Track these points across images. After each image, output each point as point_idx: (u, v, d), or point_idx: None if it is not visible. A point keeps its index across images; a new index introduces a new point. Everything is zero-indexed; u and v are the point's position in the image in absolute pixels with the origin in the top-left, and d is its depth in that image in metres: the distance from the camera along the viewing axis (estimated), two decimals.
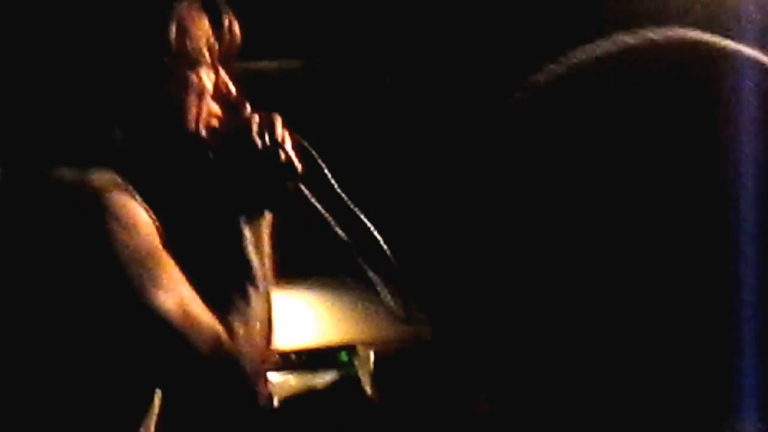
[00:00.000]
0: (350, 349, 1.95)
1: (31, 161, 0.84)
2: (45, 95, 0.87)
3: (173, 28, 0.86)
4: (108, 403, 0.84)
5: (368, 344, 1.94)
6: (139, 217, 0.79)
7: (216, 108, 0.90)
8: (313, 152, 0.93)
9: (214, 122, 0.90)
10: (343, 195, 0.92)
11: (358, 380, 1.91)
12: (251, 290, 0.85)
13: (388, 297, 0.94)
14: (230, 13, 0.94)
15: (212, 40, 0.91)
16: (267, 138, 0.90)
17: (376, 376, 1.88)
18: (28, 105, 0.88)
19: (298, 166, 0.91)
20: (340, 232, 0.93)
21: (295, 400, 1.82)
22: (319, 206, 0.93)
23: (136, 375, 0.84)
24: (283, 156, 0.90)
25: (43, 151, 0.84)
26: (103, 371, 0.82)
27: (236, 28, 0.94)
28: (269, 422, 1.80)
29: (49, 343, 0.80)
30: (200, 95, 0.88)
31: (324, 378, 1.85)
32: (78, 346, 0.80)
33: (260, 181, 0.90)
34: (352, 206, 0.92)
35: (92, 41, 0.85)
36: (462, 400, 1.69)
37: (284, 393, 1.83)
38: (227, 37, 0.92)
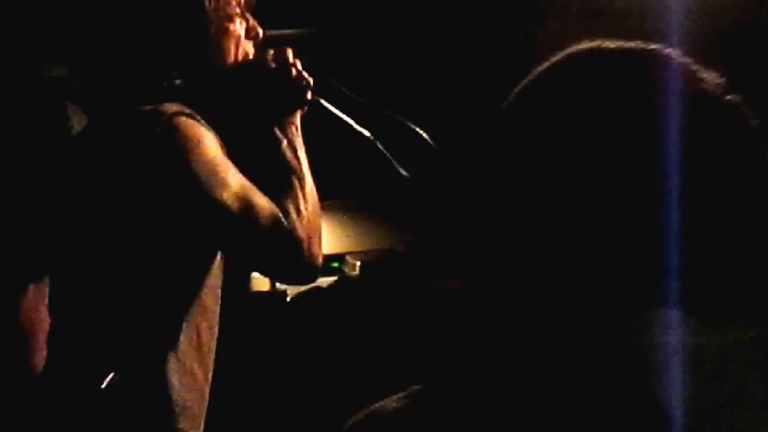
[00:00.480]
0: (340, 258, 2.46)
1: (120, 99, 1.10)
2: (126, 52, 1.12)
3: None
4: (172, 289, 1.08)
5: (354, 254, 2.45)
6: (202, 134, 1.04)
7: (249, 47, 1.16)
8: (321, 72, 1.17)
9: (248, 58, 1.16)
10: (353, 96, 1.17)
11: (354, 281, 2.36)
12: (294, 179, 1.11)
13: (400, 168, 1.19)
14: None
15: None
16: (279, 62, 1.14)
17: (361, 278, 2.37)
18: (114, 59, 1.13)
19: (308, 79, 1.14)
20: (357, 127, 1.17)
21: (304, 296, 2.25)
22: (336, 111, 1.16)
23: (203, 258, 1.09)
24: (294, 72, 1.14)
25: (128, 91, 1.10)
26: (173, 256, 1.07)
27: None
28: (284, 313, 2.28)
29: (138, 230, 1.05)
30: (237, 40, 1.14)
31: (327, 280, 2.26)
32: (161, 234, 1.05)
33: (279, 94, 1.14)
34: (363, 105, 1.17)
35: (156, 10, 1.11)
36: (433, 284, 2.07)
37: (294, 291, 2.28)
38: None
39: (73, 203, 1.11)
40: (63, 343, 1.13)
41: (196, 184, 1.01)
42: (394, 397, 0.52)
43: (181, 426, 1.08)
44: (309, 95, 1.15)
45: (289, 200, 1.08)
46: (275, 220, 1.05)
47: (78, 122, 1.50)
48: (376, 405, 0.53)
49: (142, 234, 1.06)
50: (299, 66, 1.15)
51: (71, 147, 1.22)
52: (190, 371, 1.09)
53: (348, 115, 1.16)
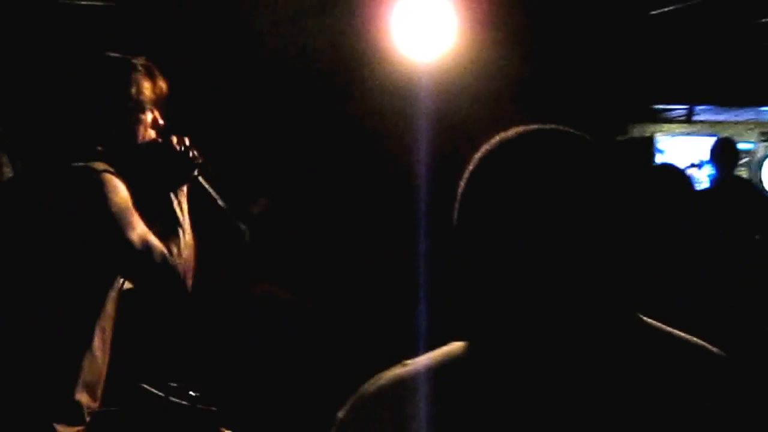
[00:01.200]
0: None
1: (54, 157, 1.52)
2: (68, 124, 1.57)
3: (133, 89, 1.55)
4: (84, 299, 1.46)
5: None
6: (120, 187, 1.44)
7: (152, 133, 1.61)
8: (201, 158, 1.65)
9: (152, 139, 1.61)
10: (208, 185, 1.68)
11: None
12: (179, 230, 1.56)
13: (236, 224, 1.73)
14: (161, 75, 1.62)
15: (151, 93, 1.59)
16: (180, 146, 1.61)
17: None
18: (55, 128, 1.58)
19: (199, 160, 1.64)
20: (215, 196, 1.68)
21: None
22: (206, 184, 1.67)
23: (109, 277, 1.49)
24: (190, 155, 1.62)
25: (62, 152, 1.51)
26: (88, 274, 1.46)
27: (165, 86, 1.62)
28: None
29: (64, 254, 1.42)
30: (145, 125, 1.59)
31: None
32: (82, 258, 1.42)
33: (177, 169, 1.62)
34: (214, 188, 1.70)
35: (87, 94, 1.56)
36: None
37: None
38: (159, 91, 1.62)
39: (17, 228, 1.50)
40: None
41: (112, 223, 1.42)
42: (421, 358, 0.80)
43: (78, 397, 1.47)
44: (195, 172, 1.64)
45: (173, 244, 1.52)
46: (164, 257, 1.49)
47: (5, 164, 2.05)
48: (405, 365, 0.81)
49: (67, 257, 1.43)
50: (194, 151, 1.62)
51: (14, 185, 1.65)
52: (96, 357, 1.49)
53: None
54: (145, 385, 1.74)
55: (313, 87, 2.91)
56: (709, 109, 6.41)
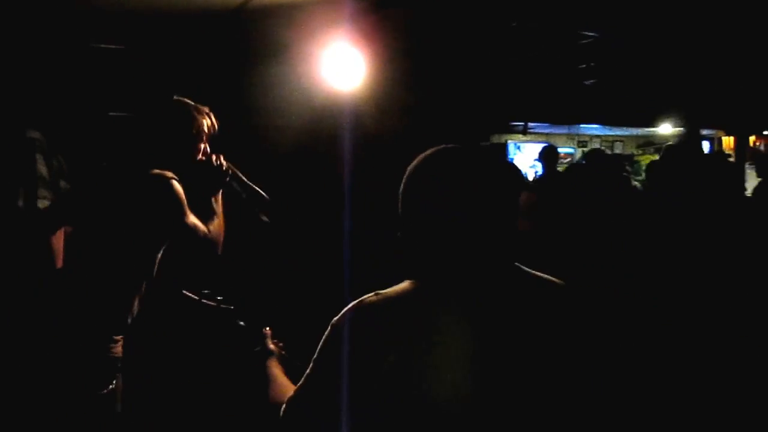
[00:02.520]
0: None
1: (136, 164, 2.05)
2: (143, 144, 2.12)
3: (196, 128, 2.11)
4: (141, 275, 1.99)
5: None
6: (180, 189, 1.96)
7: (203, 156, 2.17)
8: (233, 168, 2.22)
9: (203, 159, 2.17)
10: (248, 183, 2.28)
11: None
12: (213, 217, 2.11)
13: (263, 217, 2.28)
14: (213, 116, 2.17)
15: (207, 129, 2.15)
16: (219, 162, 2.17)
17: None
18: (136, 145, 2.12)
19: (229, 171, 2.19)
20: (244, 195, 2.28)
21: None
22: (237, 187, 2.26)
23: (163, 243, 2.03)
24: (224, 167, 2.17)
25: (143, 162, 2.03)
26: (153, 241, 2.02)
27: (215, 123, 2.17)
28: None
29: (139, 230, 1.96)
30: (199, 152, 2.14)
31: None
32: (148, 232, 1.98)
33: (215, 177, 2.17)
34: (251, 187, 2.30)
35: (164, 128, 2.10)
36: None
37: None
38: (212, 128, 2.18)
39: (107, 209, 2.01)
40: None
41: (176, 210, 1.99)
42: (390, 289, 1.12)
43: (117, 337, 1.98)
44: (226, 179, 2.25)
45: (210, 225, 2.11)
46: (204, 233, 2.06)
47: (39, 165, 2.41)
48: (379, 293, 1.12)
49: (143, 230, 1.99)
50: (226, 164, 2.22)
51: (105, 181, 2.10)
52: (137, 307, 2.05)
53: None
54: (186, 292, 2.11)
55: (264, 107, 3.81)
56: (539, 125, 7.82)
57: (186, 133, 2.11)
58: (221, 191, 2.22)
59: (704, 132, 8.60)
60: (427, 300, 1.10)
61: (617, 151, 9.05)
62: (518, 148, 8.19)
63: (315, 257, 3.41)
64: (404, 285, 1.14)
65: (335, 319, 1.14)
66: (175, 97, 2.16)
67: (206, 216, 2.11)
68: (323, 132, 3.79)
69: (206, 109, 2.19)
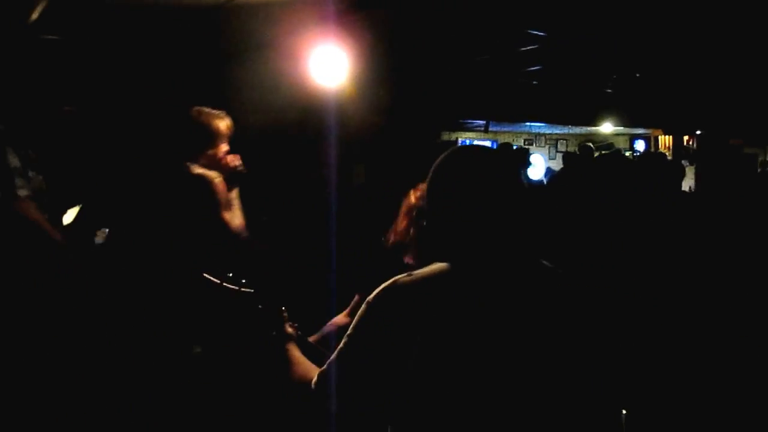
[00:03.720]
0: None
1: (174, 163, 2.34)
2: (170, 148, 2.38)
3: (216, 133, 2.39)
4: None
5: None
6: (222, 187, 2.32)
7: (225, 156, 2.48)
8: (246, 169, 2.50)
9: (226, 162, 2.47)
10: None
11: None
12: (237, 212, 2.42)
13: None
14: (230, 118, 2.44)
15: (226, 130, 2.43)
16: (237, 163, 2.45)
17: None
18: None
19: (244, 171, 2.48)
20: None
21: None
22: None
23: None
24: (240, 168, 2.47)
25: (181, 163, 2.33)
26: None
27: (232, 125, 2.44)
28: None
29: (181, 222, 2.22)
30: (221, 151, 2.44)
31: None
32: (191, 226, 2.24)
33: (233, 176, 2.44)
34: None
35: (188, 132, 2.38)
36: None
37: None
38: (228, 129, 2.45)
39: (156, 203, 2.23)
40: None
41: (216, 207, 2.25)
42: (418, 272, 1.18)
43: None
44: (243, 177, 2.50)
45: (235, 219, 2.37)
46: (234, 228, 2.33)
47: (11, 157, 2.44)
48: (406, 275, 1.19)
49: (182, 225, 2.17)
50: (241, 164, 2.48)
51: (146, 179, 2.34)
52: None
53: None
54: (207, 275, 2.17)
55: (260, 102, 3.85)
56: (496, 124, 8.09)
57: (208, 139, 2.31)
58: (237, 188, 2.40)
59: (640, 131, 9.15)
60: (456, 284, 1.16)
61: (561, 149, 9.48)
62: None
63: (306, 249, 3.47)
64: (435, 267, 1.20)
65: (370, 297, 1.19)
66: (195, 108, 2.33)
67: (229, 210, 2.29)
68: (306, 128, 3.88)
69: (222, 113, 2.37)
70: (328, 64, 3.67)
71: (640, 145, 9.43)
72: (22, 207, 2.34)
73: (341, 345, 1.22)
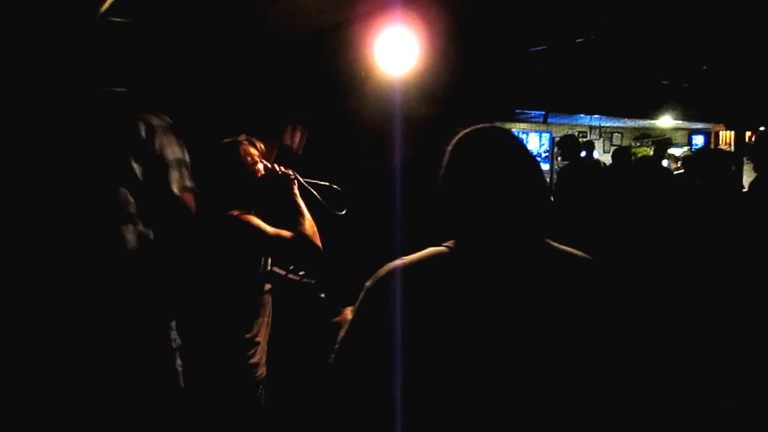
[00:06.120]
0: None
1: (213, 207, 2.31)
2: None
3: (245, 161, 2.32)
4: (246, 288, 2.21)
5: None
6: (251, 218, 2.22)
7: (263, 171, 2.38)
8: (297, 176, 2.42)
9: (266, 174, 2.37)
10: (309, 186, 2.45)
11: None
12: (302, 214, 2.29)
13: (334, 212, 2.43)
14: (258, 142, 2.38)
15: (257, 152, 2.37)
16: (282, 171, 2.36)
17: None
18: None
19: (291, 176, 2.37)
20: (315, 193, 2.43)
21: None
22: (306, 184, 2.43)
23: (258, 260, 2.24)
24: (291, 176, 2.37)
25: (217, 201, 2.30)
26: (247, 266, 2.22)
27: (260, 146, 2.38)
28: None
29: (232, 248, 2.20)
30: (259, 170, 2.35)
31: None
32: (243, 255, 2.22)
33: (282, 184, 2.35)
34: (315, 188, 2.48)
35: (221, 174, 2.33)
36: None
37: None
38: (260, 151, 2.38)
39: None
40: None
41: (254, 238, 2.19)
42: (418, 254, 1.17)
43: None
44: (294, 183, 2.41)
45: (301, 222, 2.28)
46: (291, 235, 2.22)
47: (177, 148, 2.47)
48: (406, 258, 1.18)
49: (234, 250, 2.20)
50: (287, 170, 2.41)
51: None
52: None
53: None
54: (275, 269, 2.29)
55: (322, 91, 3.81)
56: (538, 114, 7.92)
57: (240, 170, 2.32)
58: (298, 193, 2.38)
59: (699, 126, 8.90)
60: (453, 266, 1.16)
61: (616, 142, 9.29)
62: (527, 135, 8.33)
63: (371, 239, 3.47)
64: (430, 251, 1.20)
65: (368, 282, 1.20)
66: (223, 141, 2.34)
67: (293, 216, 2.28)
68: (376, 113, 3.79)
69: (243, 137, 2.37)
70: (402, 49, 3.59)
71: (698, 140, 9.20)
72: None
73: (344, 330, 1.24)
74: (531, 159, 1.23)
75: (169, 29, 3.11)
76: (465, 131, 1.25)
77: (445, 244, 1.21)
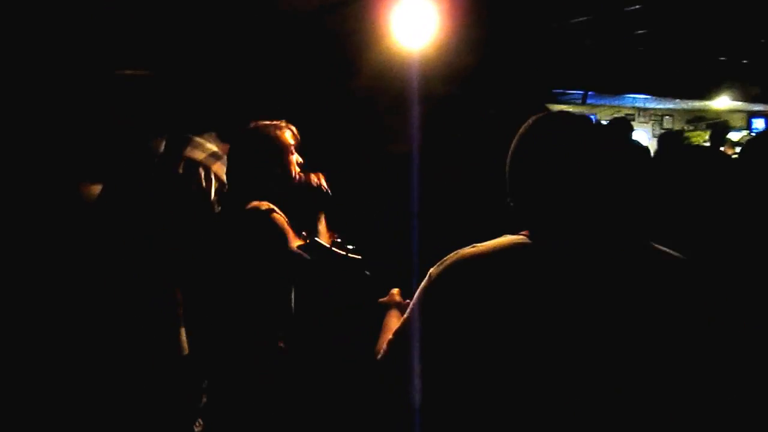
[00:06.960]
0: None
1: (231, 200, 2.11)
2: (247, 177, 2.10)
3: (280, 146, 2.10)
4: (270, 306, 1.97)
5: None
6: (280, 219, 1.95)
7: (298, 168, 2.16)
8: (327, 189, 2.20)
9: (301, 176, 2.15)
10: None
11: None
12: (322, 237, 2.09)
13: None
14: (295, 128, 2.16)
15: (292, 139, 2.14)
16: (317, 181, 2.15)
17: None
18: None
19: (327, 191, 2.17)
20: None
21: None
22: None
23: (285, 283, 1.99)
24: (324, 187, 2.16)
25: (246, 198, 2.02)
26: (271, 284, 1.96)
27: (296, 132, 2.16)
28: None
29: (251, 273, 1.93)
30: (293, 163, 2.13)
31: None
32: (261, 275, 1.94)
33: (318, 198, 2.16)
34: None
35: (248, 161, 2.09)
36: None
37: None
38: (295, 139, 2.16)
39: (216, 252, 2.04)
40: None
41: (281, 241, 1.95)
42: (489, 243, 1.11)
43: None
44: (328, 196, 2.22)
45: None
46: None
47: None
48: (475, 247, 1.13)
49: (252, 265, 1.95)
50: (324, 183, 2.21)
51: (215, 222, 2.17)
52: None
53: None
54: (319, 240, 2.13)
55: (332, 66, 3.57)
56: (594, 96, 7.59)
57: (272, 154, 2.11)
58: (323, 212, 2.21)
59: (759, 107, 8.35)
60: (531, 260, 1.09)
61: (667, 126, 8.78)
62: None
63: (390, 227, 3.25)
64: (504, 240, 1.13)
65: (433, 268, 1.14)
66: (251, 124, 2.16)
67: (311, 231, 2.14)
68: (390, 89, 3.50)
69: (283, 123, 2.17)
70: (413, 21, 3.34)
71: (759, 124, 8.61)
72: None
73: (404, 317, 1.19)
74: (614, 149, 1.15)
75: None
76: (537, 118, 1.18)
77: (522, 233, 1.13)
